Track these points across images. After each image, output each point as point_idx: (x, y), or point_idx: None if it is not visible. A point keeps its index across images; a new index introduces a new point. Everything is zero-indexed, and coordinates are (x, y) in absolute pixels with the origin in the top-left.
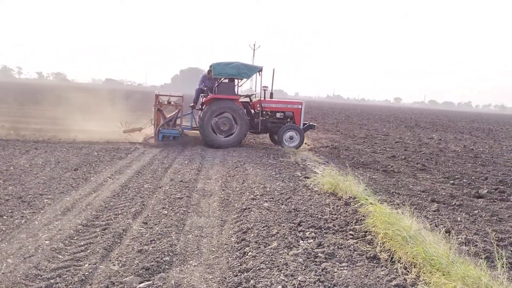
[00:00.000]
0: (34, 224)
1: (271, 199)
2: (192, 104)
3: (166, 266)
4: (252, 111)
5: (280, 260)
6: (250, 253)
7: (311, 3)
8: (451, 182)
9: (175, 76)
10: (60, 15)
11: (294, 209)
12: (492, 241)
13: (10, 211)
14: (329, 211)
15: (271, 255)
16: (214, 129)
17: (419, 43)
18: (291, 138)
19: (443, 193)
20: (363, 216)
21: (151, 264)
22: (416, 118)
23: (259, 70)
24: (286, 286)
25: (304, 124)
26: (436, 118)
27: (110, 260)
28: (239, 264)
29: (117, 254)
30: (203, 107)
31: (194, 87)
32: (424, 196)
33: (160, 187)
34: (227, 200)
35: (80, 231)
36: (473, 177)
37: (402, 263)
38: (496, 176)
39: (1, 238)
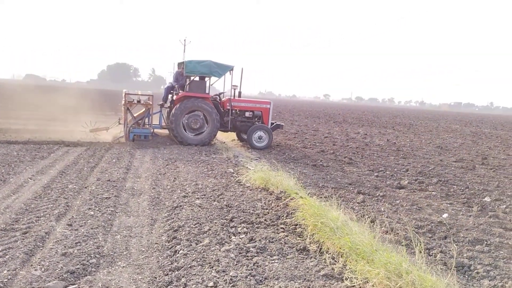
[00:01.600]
0: None
1: (203, 196)
2: (161, 103)
3: (93, 269)
4: (222, 109)
5: (212, 256)
6: (181, 251)
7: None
8: (376, 174)
9: (102, 71)
10: None
11: (226, 205)
12: (412, 229)
13: None
14: (261, 206)
15: (203, 252)
16: (185, 127)
17: (346, 43)
18: (260, 138)
19: (368, 185)
20: (294, 209)
21: (77, 267)
22: (344, 114)
23: (231, 69)
24: (218, 282)
25: (272, 123)
26: (362, 114)
27: (31, 265)
28: (170, 263)
29: (39, 258)
30: (174, 105)
31: (122, 83)
32: (351, 188)
33: (86, 187)
34: (157, 198)
35: None
36: (395, 169)
37: (330, 253)
38: (416, 168)
39: None
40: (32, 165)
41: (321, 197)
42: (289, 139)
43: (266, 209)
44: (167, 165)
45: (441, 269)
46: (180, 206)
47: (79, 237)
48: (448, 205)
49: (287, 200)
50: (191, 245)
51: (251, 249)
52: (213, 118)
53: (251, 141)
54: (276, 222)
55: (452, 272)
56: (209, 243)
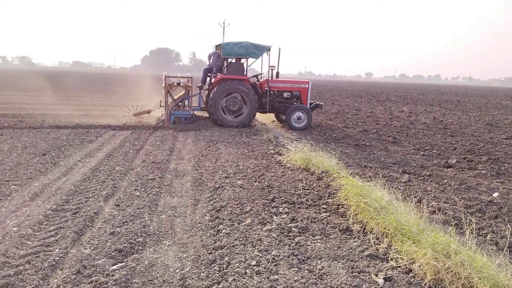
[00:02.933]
0: (1, 211)
1: (244, 177)
2: (200, 85)
3: (140, 247)
4: (260, 90)
5: (254, 236)
6: (224, 231)
7: None
8: (422, 153)
9: (145, 57)
10: None
11: (267, 186)
12: (461, 209)
13: None
14: (302, 186)
15: (245, 231)
16: (223, 109)
17: (389, 18)
18: (299, 118)
19: (414, 164)
20: (336, 189)
21: (124, 245)
22: (387, 92)
23: (268, 49)
24: (261, 261)
25: (311, 103)
26: (406, 92)
27: (81, 244)
28: (213, 242)
29: (88, 237)
30: (212, 88)
31: (164, 67)
32: (396, 168)
33: (132, 169)
34: (200, 179)
35: (50, 216)
36: (442, 148)
37: (374, 233)
38: (464, 146)
39: None
40: (80, 148)
41: (364, 177)
42: (330, 119)
43: (308, 189)
44: (208, 147)
45: (492, 249)
46: (222, 186)
47: (126, 217)
48: (499, 183)
49: (328, 180)
50: (233, 224)
51: (293, 229)
52: (251, 99)
53: (290, 122)
54: (317, 203)
55: (504, 253)
56: (251, 222)
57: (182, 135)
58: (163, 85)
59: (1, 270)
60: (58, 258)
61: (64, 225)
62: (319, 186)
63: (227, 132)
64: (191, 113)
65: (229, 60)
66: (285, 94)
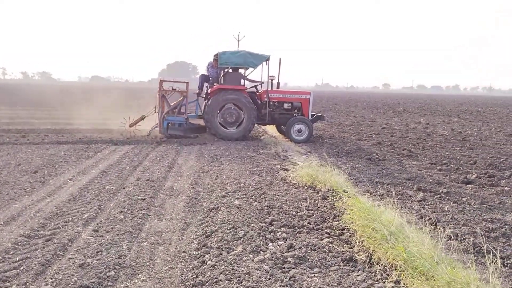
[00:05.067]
0: None
1: (244, 196)
2: (197, 91)
3: (109, 283)
4: (259, 101)
5: (242, 268)
6: (209, 262)
7: None
8: (438, 167)
9: (163, 70)
10: (42, 13)
11: (267, 206)
12: (482, 233)
13: None
14: (305, 206)
15: (233, 263)
16: (222, 124)
17: (406, 28)
18: (299, 131)
19: (430, 180)
20: (341, 211)
21: (91, 281)
22: (404, 103)
23: (266, 59)
24: None
25: (313, 115)
26: (424, 103)
27: (44, 279)
28: (194, 276)
29: (54, 270)
30: (208, 97)
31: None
32: (410, 185)
33: (123, 188)
34: (195, 199)
35: (20, 243)
36: (461, 162)
37: (381, 265)
38: (485, 160)
39: None
40: (75, 165)
41: (375, 196)
42: (343, 131)
43: (311, 210)
44: (211, 162)
45: None
46: (218, 207)
47: (102, 245)
48: None
49: (334, 199)
50: (221, 254)
51: (289, 259)
52: (248, 108)
53: (291, 135)
54: (320, 226)
55: None
56: (242, 252)
57: (186, 150)
58: (158, 90)
59: None
60: None
61: (32, 254)
62: (324, 206)
63: (234, 146)
64: (186, 119)
65: (226, 70)
66: (286, 105)
